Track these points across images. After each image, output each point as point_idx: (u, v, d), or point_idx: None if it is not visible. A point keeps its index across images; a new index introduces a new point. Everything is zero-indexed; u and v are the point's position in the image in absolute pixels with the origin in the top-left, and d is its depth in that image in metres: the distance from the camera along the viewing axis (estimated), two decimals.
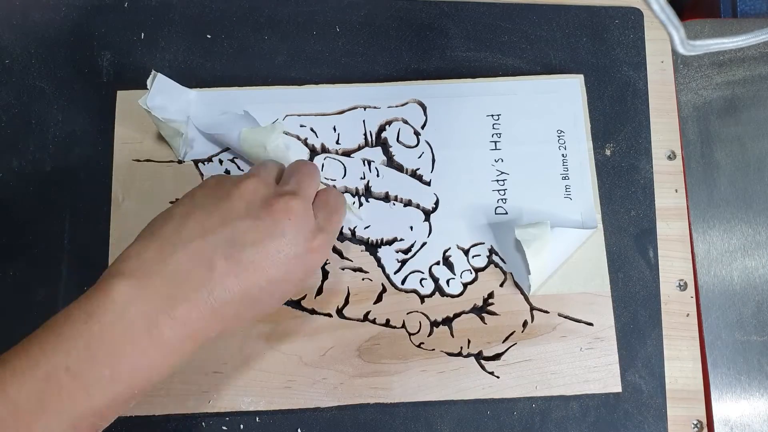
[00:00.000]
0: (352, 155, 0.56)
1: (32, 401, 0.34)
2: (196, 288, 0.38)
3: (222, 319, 0.39)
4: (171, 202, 0.54)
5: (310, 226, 0.43)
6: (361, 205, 0.55)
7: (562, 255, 0.53)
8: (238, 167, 0.55)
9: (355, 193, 0.55)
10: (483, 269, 0.54)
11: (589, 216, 0.55)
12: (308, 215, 0.43)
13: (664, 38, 0.61)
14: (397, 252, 0.54)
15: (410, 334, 0.53)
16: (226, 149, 0.55)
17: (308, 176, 0.45)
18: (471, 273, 0.54)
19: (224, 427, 0.51)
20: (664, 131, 0.59)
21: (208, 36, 0.59)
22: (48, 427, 0.35)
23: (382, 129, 0.57)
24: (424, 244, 0.54)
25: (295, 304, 0.53)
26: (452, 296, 0.54)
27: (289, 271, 0.41)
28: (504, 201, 0.56)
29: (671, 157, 0.59)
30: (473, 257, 0.54)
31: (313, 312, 0.53)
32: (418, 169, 0.56)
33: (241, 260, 0.39)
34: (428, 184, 0.56)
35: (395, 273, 0.54)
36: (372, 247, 0.54)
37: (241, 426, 0.51)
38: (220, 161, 0.55)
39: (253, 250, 0.40)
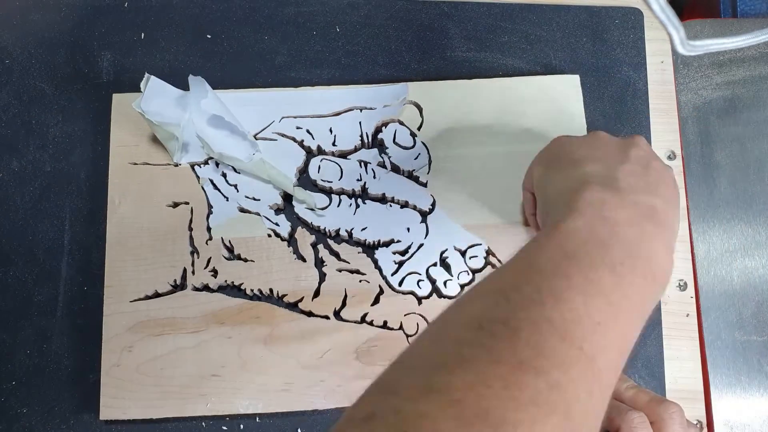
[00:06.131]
0: (348, 157, 0.56)
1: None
2: None
3: None
4: (167, 205, 0.54)
5: None
6: (358, 206, 0.55)
7: None
8: (234, 169, 0.55)
9: (352, 195, 0.55)
10: (480, 270, 0.54)
11: None
12: None
13: (664, 38, 0.61)
14: (394, 254, 0.54)
15: (408, 336, 0.53)
16: None
17: None
18: (468, 274, 0.54)
19: (224, 428, 0.51)
20: (664, 131, 0.59)
21: (208, 36, 0.59)
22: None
23: (378, 130, 0.57)
24: (421, 245, 0.54)
25: (293, 306, 0.53)
26: (450, 298, 0.54)
27: None
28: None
29: (671, 157, 0.58)
30: (470, 258, 0.54)
31: (310, 314, 0.53)
32: (414, 170, 0.56)
33: None
34: (425, 185, 0.56)
35: (392, 275, 0.54)
36: (369, 249, 0.54)
37: (241, 426, 0.52)
38: (216, 164, 0.55)
39: None
